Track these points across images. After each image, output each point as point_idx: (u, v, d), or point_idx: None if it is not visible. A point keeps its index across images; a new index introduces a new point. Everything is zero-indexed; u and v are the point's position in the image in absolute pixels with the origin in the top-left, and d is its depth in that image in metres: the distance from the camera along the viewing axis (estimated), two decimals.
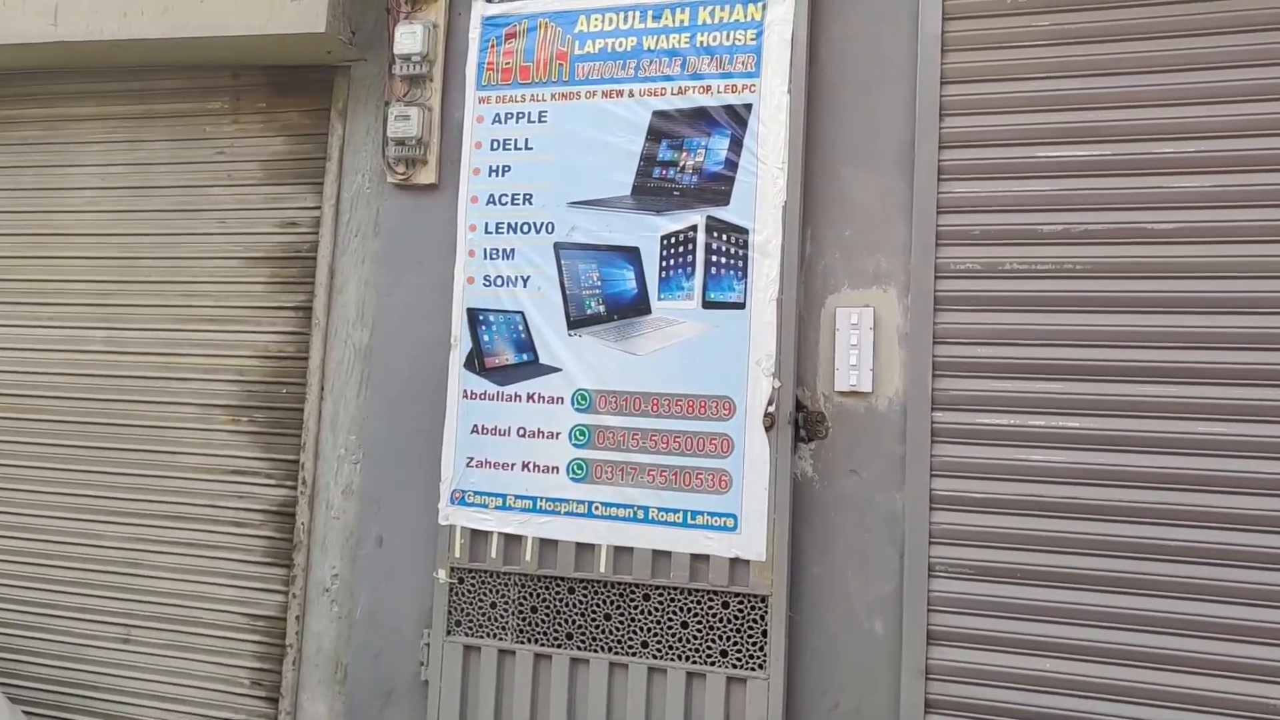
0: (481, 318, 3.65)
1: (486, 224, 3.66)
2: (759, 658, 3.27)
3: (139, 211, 4.27)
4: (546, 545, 3.51)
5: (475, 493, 3.60)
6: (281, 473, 4.00)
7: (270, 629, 3.96)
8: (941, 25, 3.26)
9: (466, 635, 3.57)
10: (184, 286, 4.18)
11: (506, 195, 3.65)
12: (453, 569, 3.60)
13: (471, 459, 3.61)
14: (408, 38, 3.75)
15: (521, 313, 3.60)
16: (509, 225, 3.64)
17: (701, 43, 3.44)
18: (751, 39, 3.38)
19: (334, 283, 3.98)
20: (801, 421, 3.33)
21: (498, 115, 3.68)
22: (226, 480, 4.05)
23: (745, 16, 3.40)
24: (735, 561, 3.30)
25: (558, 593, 3.50)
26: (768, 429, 3.28)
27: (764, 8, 3.38)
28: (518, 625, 3.53)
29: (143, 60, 4.17)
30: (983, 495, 3.16)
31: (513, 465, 3.57)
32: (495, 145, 3.68)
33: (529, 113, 3.65)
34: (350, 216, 3.98)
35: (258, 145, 4.15)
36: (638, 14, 3.54)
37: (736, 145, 3.37)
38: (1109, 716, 2.98)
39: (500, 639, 3.54)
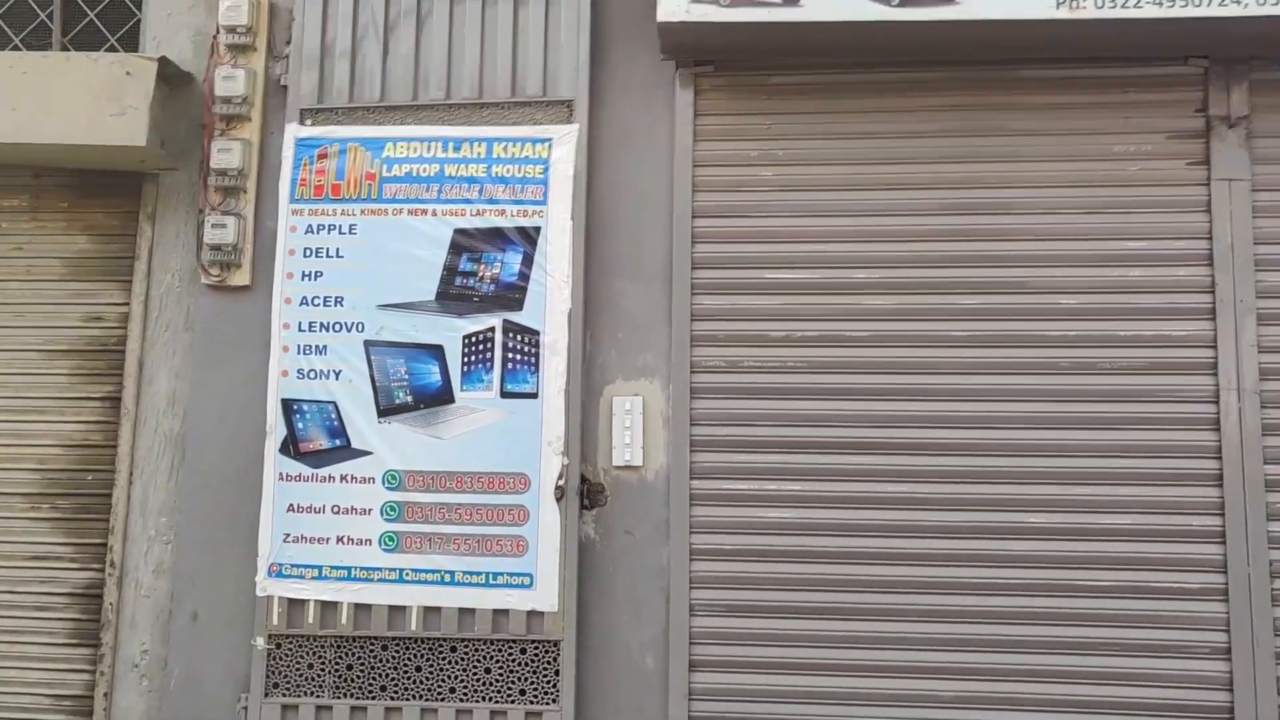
0: (296, 407, 4.05)
1: (300, 323, 4.09)
2: (553, 694, 3.85)
3: None
4: (361, 609, 3.94)
5: (292, 565, 3.97)
6: (88, 556, 4.18)
7: (76, 708, 4.10)
8: (692, 170, 4.08)
9: (284, 696, 3.92)
10: None
11: (319, 297, 4.10)
12: (270, 636, 3.95)
13: (288, 535, 3.99)
14: (224, 154, 4.14)
15: (334, 402, 4.04)
16: (322, 324, 4.08)
17: (497, 173, 4.07)
18: (539, 173, 4.06)
19: (143, 374, 4.24)
20: (586, 492, 3.99)
21: (310, 226, 4.13)
22: (27, 566, 4.17)
23: (534, 154, 4.07)
24: (532, 614, 3.88)
25: (372, 650, 3.93)
26: (558, 500, 3.90)
27: (549, 147, 4.07)
28: (334, 683, 3.92)
29: None
30: (732, 547, 3.93)
31: (328, 539, 3.98)
32: (308, 253, 4.12)
33: (340, 225, 4.13)
34: (160, 313, 4.27)
35: (60, 243, 4.35)
36: (439, 144, 4.13)
37: (528, 260, 4.02)
38: (841, 718, 3.80)
39: (318, 696, 3.91)
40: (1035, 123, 4.01)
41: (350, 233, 4.12)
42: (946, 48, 3.90)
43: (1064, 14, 3.65)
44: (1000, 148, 4.02)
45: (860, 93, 4.07)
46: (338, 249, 4.12)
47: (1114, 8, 3.63)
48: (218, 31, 4.22)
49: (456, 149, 4.12)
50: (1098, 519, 3.80)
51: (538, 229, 4.03)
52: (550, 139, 4.08)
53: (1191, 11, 3.59)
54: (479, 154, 4.11)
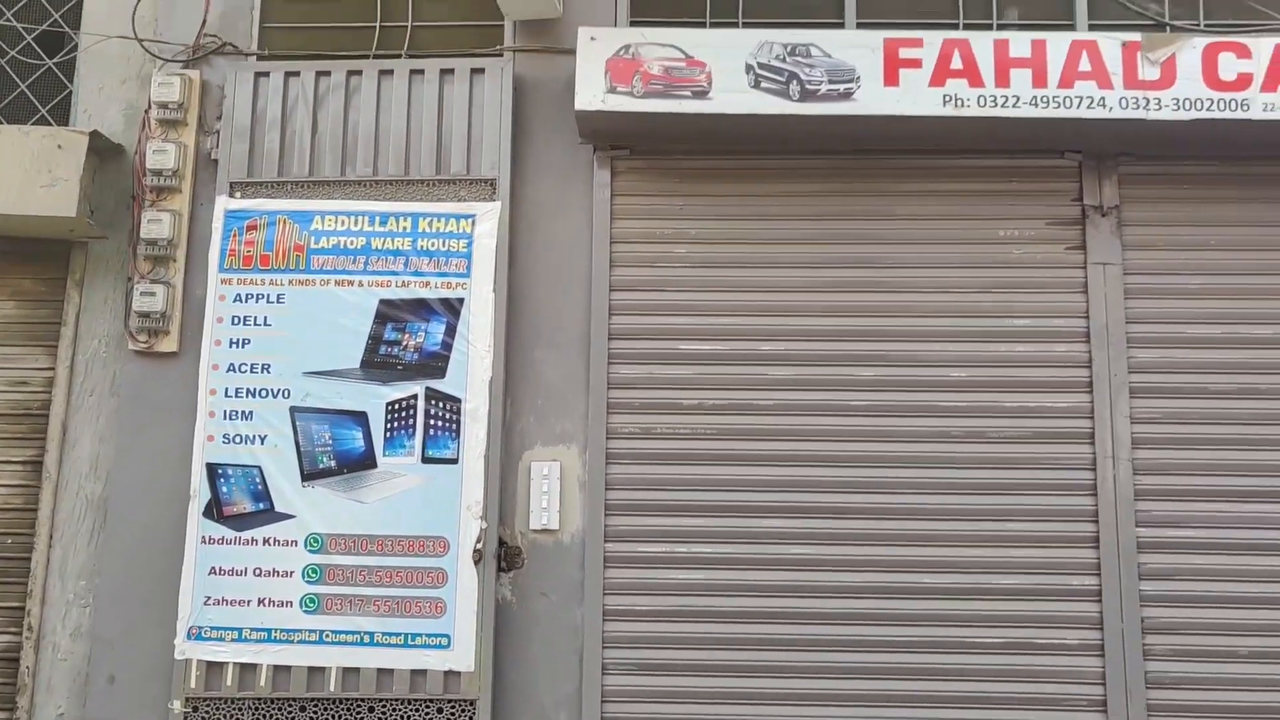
0: (221, 471, 4.14)
1: (227, 389, 4.19)
2: None
3: None
4: (280, 671, 4.01)
5: (212, 628, 4.04)
6: (5, 619, 4.20)
7: None
8: (610, 247, 4.31)
9: None
10: None
11: (246, 364, 4.21)
12: (188, 699, 4.00)
13: (209, 597, 4.05)
14: (155, 225, 4.25)
15: (259, 467, 4.14)
16: (248, 390, 4.19)
17: (422, 246, 4.25)
18: (463, 247, 4.24)
19: (66, 438, 4.30)
20: (503, 555, 4.13)
21: (239, 295, 4.26)
22: None
23: (458, 228, 4.26)
24: (449, 673, 3.99)
25: (290, 712, 4.00)
26: (476, 563, 4.04)
27: (473, 223, 4.26)
28: None
29: None
30: (644, 608, 4.10)
31: (249, 601, 4.05)
32: (236, 321, 4.24)
33: (268, 294, 4.26)
34: (85, 378, 4.34)
35: None
36: (366, 218, 4.29)
37: (451, 330, 4.19)
38: None
39: None
40: (927, 208, 4.32)
41: (278, 302, 4.25)
42: (845, 139, 4.21)
43: (949, 111, 3.98)
44: (895, 230, 4.32)
45: (766, 177, 4.34)
46: (265, 317, 4.24)
47: (994, 107, 3.97)
48: (150, 106, 4.36)
49: (383, 223, 4.29)
50: (985, 579, 4.06)
51: (461, 300, 4.21)
52: (474, 215, 4.27)
53: (1062, 113, 3.94)
54: (405, 228, 4.28)
